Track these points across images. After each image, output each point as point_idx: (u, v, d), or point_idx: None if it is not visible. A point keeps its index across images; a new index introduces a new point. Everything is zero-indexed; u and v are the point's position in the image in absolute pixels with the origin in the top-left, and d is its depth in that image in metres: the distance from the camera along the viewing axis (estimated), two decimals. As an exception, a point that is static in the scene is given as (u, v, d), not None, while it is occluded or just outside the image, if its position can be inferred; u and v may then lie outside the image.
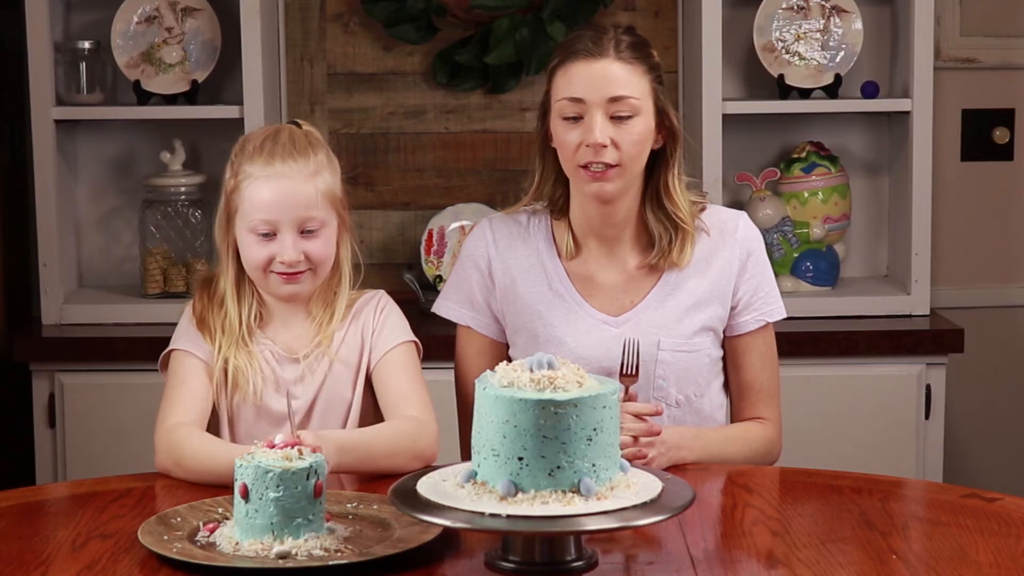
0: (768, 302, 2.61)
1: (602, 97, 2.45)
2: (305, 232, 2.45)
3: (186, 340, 2.52)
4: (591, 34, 2.50)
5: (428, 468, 2.09)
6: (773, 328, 2.63)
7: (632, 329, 2.55)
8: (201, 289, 2.57)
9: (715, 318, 2.58)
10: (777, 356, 2.65)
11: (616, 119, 2.46)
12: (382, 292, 2.61)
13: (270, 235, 2.45)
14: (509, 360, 2.59)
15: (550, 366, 1.96)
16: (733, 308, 2.59)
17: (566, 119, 2.48)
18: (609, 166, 2.46)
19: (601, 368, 2.50)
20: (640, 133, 2.47)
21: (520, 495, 1.90)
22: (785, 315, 2.64)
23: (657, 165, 2.55)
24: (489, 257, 2.62)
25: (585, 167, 2.47)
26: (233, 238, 2.50)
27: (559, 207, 2.60)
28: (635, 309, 2.57)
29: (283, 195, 2.44)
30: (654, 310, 2.56)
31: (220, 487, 2.32)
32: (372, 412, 2.56)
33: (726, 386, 2.66)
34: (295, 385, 2.51)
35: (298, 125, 2.54)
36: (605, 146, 2.45)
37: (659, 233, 2.55)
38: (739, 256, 2.58)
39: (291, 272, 2.46)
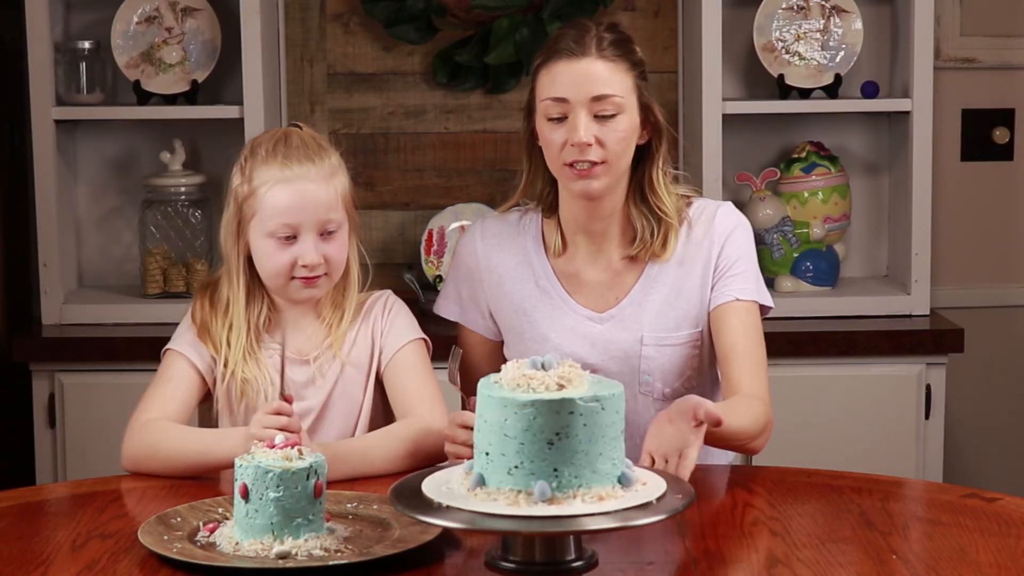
0: (741, 280, 2.55)
1: (585, 96, 2.45)
2: (324, 234, 2.46)
3: (184, 343, 2.52)
4: (573, 32, 2.49)
5: (431, 468, 2.08)
6: (749, 307, 2.55)
7: (616, 325, 2.56)
8: (201, 295, 2.56)
9: (700, 306, 2.56)
10: (759, 337, 2.55)
11: (600, 117, 2.45)
12: (389, 292, 2.61)
13: (290, 238, 2.44)
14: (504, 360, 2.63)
15: (550, 366, 1.95)
16: (712, 287, 2.57)
17: (551, 119, 2.48)
18: (594, 163, 2.46)
19: (585, 365, 2.49)
20: (624, 130, 2.47)
21: (550, 496, 1.90)
22: (757, 300, 2.56)
23: (642, 160, 2.55)
24: (478, 257, 2.63)
25: (571, 165, 2.47)
26: (245, 245, 2.49)
27: (548, 205, 2.60)
28: (619, 305, 2.57)
29: (304, 198, 2.44)
30: (637, 305, 2.56)
31: (191, 477, 2.34)
32: (383, 411, 2.56)
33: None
34: (305, 388, 2.51)
35: (299, 127, 2.54)
36: (590, 145, 2.44)
37: (641, 225, 2.55)
38: (718, 240, 2.56)
39: (311, 276, 2.46)
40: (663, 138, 2.54)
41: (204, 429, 2.45)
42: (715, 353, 2.60)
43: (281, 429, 2.23)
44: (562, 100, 2.46)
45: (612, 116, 2.46)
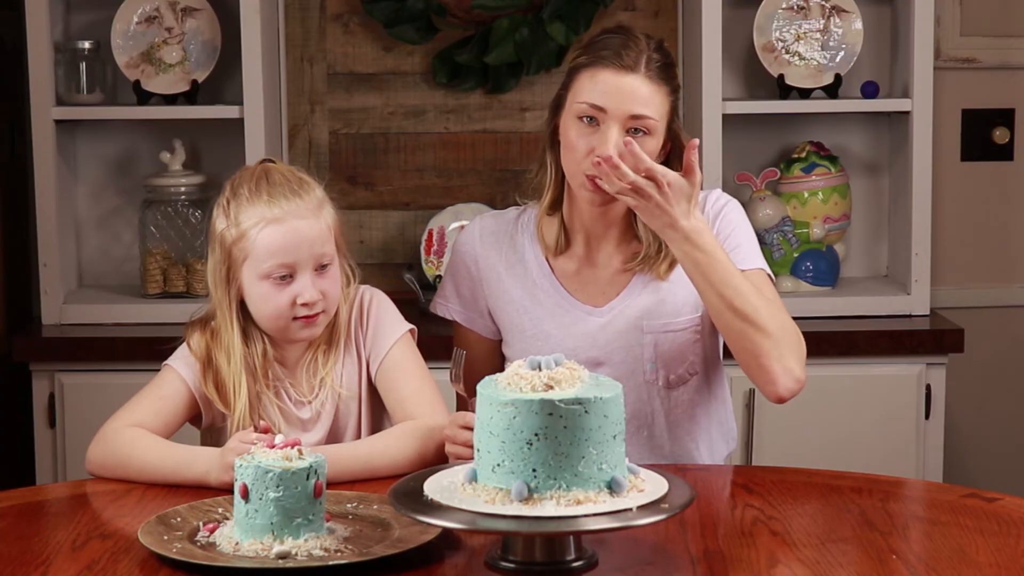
0: (738, 252, 2.52)
1: (624, 112, 2.44)
2: (318, 269, 2.40)
3: (185, 364, 2.47)
4: (621, 39, 2.47)
5: (434, 468, 2.09)
6: (763, 277, 2.53)
7: (616, 317, 2.55)
8: (200, 331, 2.48)
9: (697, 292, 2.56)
10: (779, 298, 2.52)
11: (630, 134, 2.44)
12: (363, 289, 2.56)
13: (286, 278, 2.39)
14: (503, 358, 2.63)
15: (551, 366, 1.96)
16: None
17: (581, 120, 2.46)
18: None
19: (588, 358, 2.50)
20: (649, 151, 2.43)
21: (527, 496, 1.90)
22: (759, 267, 2.53)
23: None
24: (476, 255, 2.63)
25: (589, 175, 2.46)
26: (238, 290, 2.43)
27: (552, 202, 2.59)
28: (619, 298, 2.57)
29: (297, 236, 2.38)
30: (637, 296, 2.56)
31: (168, 486, 2.33)
32: (377, 415, 2.55)
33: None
34: (311, 423, 2.49)
35: (273, 162, 2.49)
36: None
37: (648, 240, 2.54)
38: (711, 222, 2.54)
39: (311, 315, 2.40)
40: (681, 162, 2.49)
41: (178, 445, 2.39)
42: (716, 337, 2.61)
43: None
44: (600, 108, 2.44)
45: (642, 136, 2.44)
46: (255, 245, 2.39)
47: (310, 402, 2.49)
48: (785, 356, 2.43)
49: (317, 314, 2.42)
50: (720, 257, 2.40)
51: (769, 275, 2.56)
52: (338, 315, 2.49)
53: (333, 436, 2.50)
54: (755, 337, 2.42)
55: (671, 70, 2.50)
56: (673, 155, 2.52)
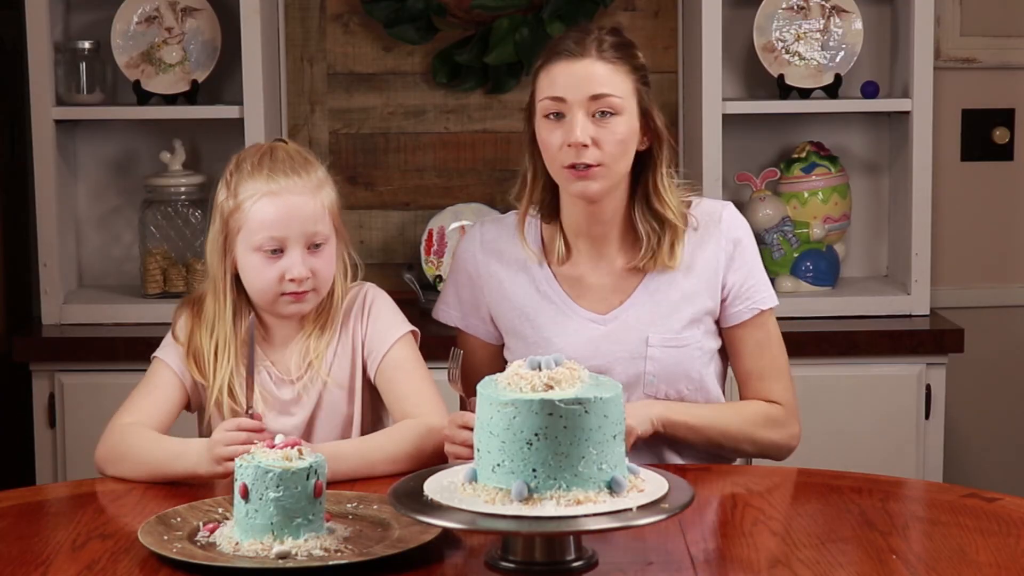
0: (758, 290, 2.59)
1: (583, 95, 2.45)
2: (311, 247, 2.43)
3: (170, 353, 2.50)
4: (575, 35, 2.50)
5: (434, 468, 2.09)
6: (770, 314, 2.61)
7: (620, 327, 2.55)
8: (186, 312, 2.51)
9: (704, 310, 2.57)
10: (780, 340, 2.62)
11: (598, 119, 2.45)
12: (368, 286, 2.57)
13: (277, 252, 2.42)
14: (505, 362, 2.63)
15: (551, 366, 1.96)
16: (723, 300, 2.58)
17: (548, 118, 2.47)
18: (590, 166, 2.46)
19: (590, 367, 2.49)
20: (622, 133, 2.46)
21: (527, 496, 1.90)
22: (776, 303, 2.61)
23: (645, 166, 2.54)
24: (477, 261, 2.63)
25: (570, 167, 2.47)
26: (232, 261, 2.46)
27: (548, 211, 2.59)
28: (622, 307, 2.57)
29: (290, 211, 2.41)
30: (641, 306, 2.56)
31: (165, 483, 2.34)
32: (373, 417, 2.55)
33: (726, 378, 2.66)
34: (291, 406, 2.50)
35: (284, 141, 2.52)
36: (586, 146, 2.44)
37: (647, 233, 2.54)
38: (725, 247, 2.57)
39: (299, 291, 2.43)
40: (664, 144, 2.53)
41: (172, 438, 2.41)
42: (724, 357, 2.64)
43: (243, 444, 2.22)
44: (560, 99, 2.46)
45: (611, 116, 2.45)
46: (249, 217, 2.42)
47: (293, 382, 2.49)
48: (785, 434, 2.62)
49: (305, 291, 2.43)
50: (704, 413, 2.54)
51: (774, 305, 2.61)
52: (333, 301, 2.50)
53: (313, 422, 2.50)
54: (762, 452, 2.62)
55: (628, 49, 2.51)
56: (656, 140, 2.52)
